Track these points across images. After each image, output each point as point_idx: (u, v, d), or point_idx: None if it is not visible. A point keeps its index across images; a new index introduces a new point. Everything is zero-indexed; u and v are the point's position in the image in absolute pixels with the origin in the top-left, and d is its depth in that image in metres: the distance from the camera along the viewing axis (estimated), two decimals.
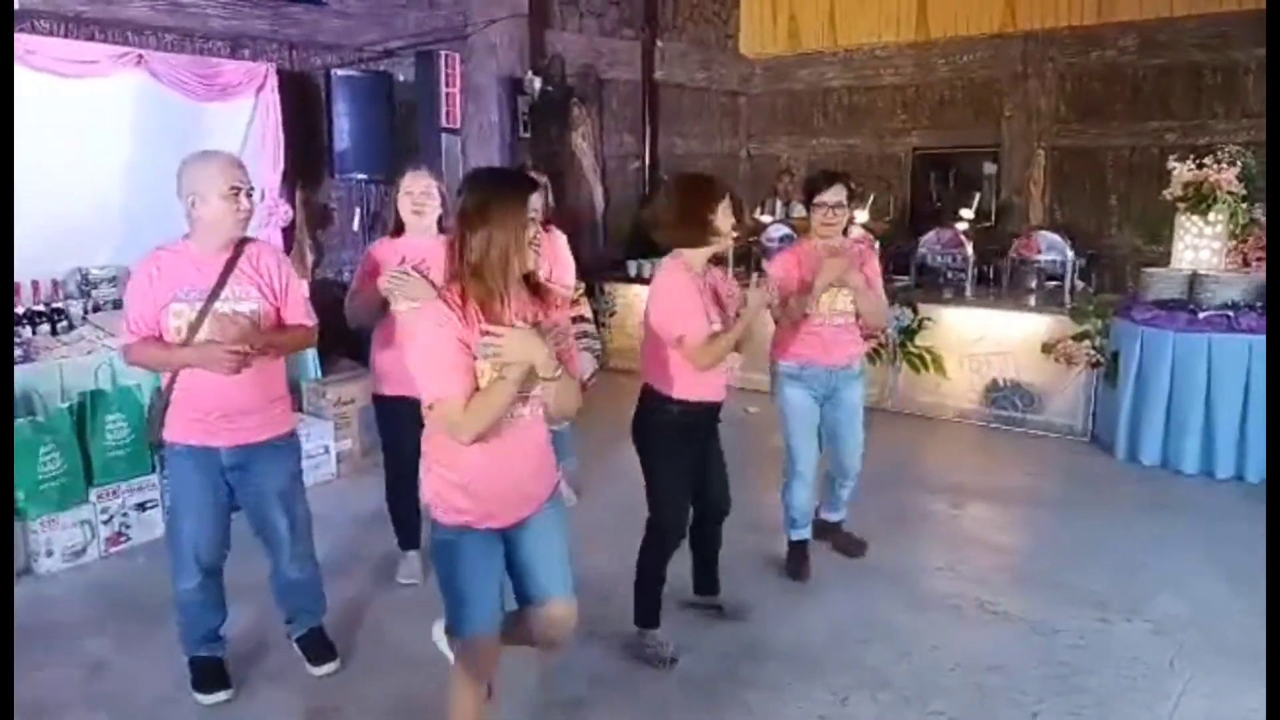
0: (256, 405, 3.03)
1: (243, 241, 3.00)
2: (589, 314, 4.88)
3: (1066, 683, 3.22)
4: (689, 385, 3.18)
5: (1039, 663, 3.35)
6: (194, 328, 2.89)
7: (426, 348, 2.29)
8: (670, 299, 3.15)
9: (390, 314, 3.70)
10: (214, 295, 2.91)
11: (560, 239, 4.33)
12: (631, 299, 7.78)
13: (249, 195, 2.95)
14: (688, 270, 3.17)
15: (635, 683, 3.23)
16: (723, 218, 3.13)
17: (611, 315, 7.97)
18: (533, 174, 4.47)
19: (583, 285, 4.77)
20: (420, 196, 3.78)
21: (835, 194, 3.77)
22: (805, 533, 4.08)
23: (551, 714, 3.04)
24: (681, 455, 3.26)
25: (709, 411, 3.31)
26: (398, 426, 3.77)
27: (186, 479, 3.02)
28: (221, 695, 3.11)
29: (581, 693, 3.11)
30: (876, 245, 4.22)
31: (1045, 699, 3.12)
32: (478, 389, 2.26)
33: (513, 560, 2.46)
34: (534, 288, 2.42)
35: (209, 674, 3.14)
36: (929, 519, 4.77)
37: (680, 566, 3.52)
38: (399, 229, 3.82)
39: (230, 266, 2.94)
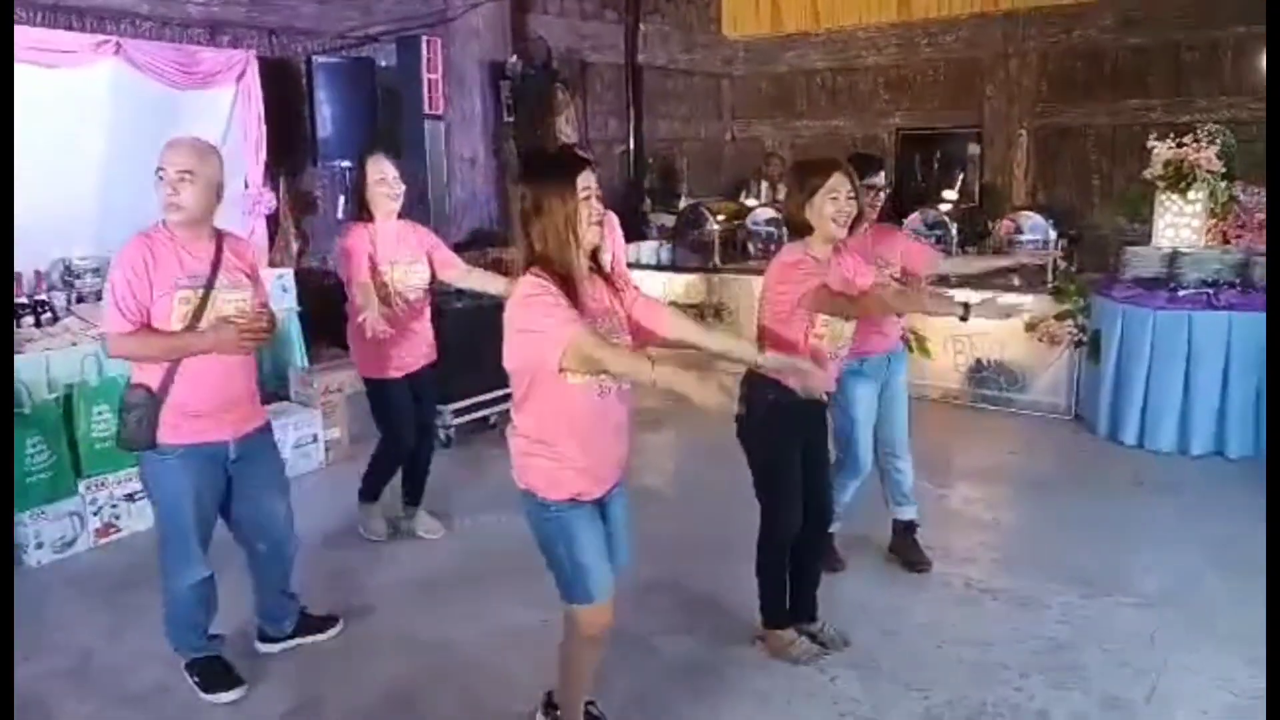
0: (249, 393, 3.06)
1: (218, 230, 2.98)
2: None
3: (1052, 658, 3.27)
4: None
5: (1025, 639, 3.40)
6: (197, 315, 2.83)
7: (540, 314, 2.26)
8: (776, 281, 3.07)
9: (383, 296, 3.85)
10: (211, 283, 2.86)
11: (612, 218, 4.33)
12: None
13: (183, 183, 2.79)
14: (805, 253, 3.05)
15: (622, 665, 3.25)
16: (821, 207, 2.97)
17: None
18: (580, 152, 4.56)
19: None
20: (394, 181, 3.89)
21: (882, 178, 3.76)
22: (838, 525, 3.89)
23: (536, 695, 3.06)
24: (790, 454, 3.16)
25: (805, 402, 3.06)
26: (404, 406, 4.05)
27: (187, 479, 2.91)
28: (236, 693, 3.06)
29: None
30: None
31: (1031, 674, 3.17)
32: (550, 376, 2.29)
33: None
34: (600, 271, 2.47)
35: (215, 673, 3.10)
36: (915, 498, 4.79)
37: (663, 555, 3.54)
38: (369, 215, 3.90)
39: (219, 254, 2.91)
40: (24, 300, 4.69)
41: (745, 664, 3.27)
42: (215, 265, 2.88)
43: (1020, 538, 4.35)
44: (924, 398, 6.51)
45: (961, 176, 8.37)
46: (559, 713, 2.79)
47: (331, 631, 3.46)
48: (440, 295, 5.44)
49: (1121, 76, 8.22)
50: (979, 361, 6.33)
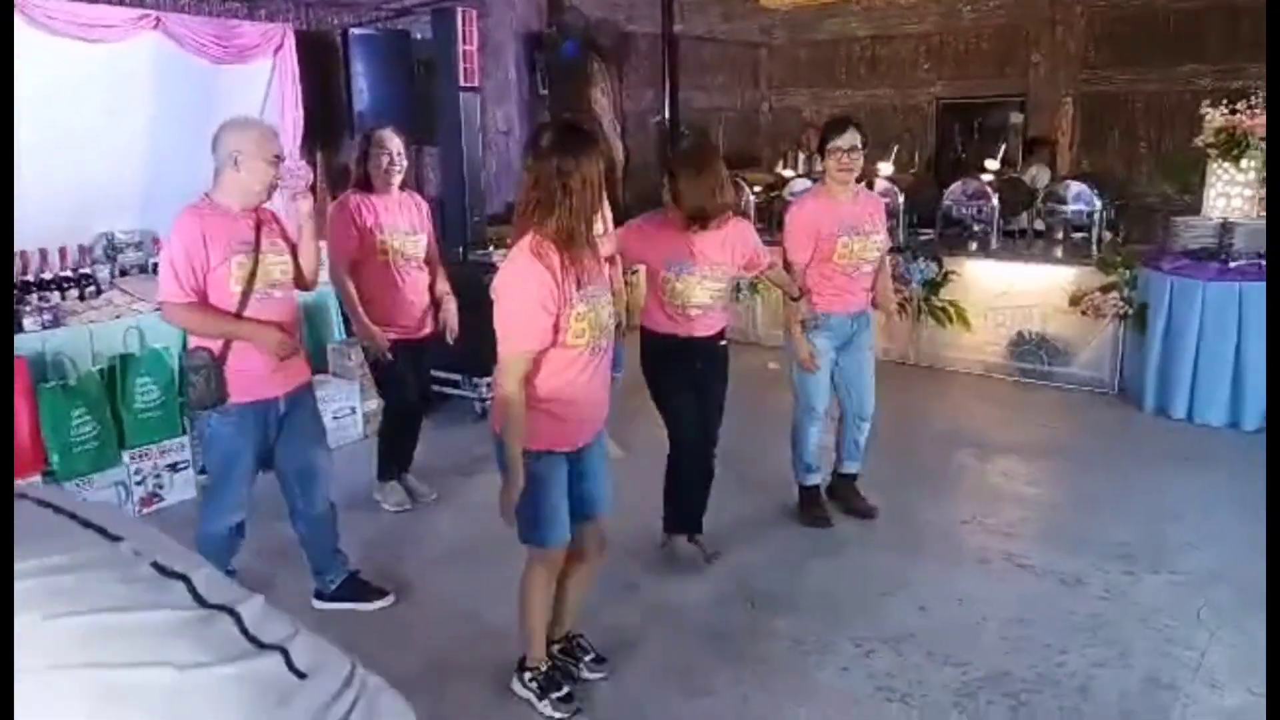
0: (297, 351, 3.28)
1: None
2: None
3: (1094, 635, 3.22)
4: (658, 321, 3.51)
5: (1066, 615, 3.36)
6: (252, 277, 3.03)
7: (518, 303, 2.48)
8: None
9: (383, 263, 4.02)
10: (258, 247, 3.06)
11: None
12: None
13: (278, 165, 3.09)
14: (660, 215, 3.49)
15: (656, 636, 3.27)
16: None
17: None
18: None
19: None
20: (397, 156, 4.02)
21: (850, 138, 3.71)
22: (818, 478, 4.10)
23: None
24: (673, 379, 3.51)
25: (687, 345, 3.48)
26: (401, 366, 4.10)
27: (247, 433, 3.13)
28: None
29: (599, 646, 3.13)
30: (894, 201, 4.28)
31: (1072, 650, 3.13)
32: (555, 343, 2.49)
33: (572, 480, 2.71)
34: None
35: None
36: (954, 472, 4.76)
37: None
38: (367, 185, 4.01)
39: (259, 223, 3.11)
40: (68, 273, 4.76)
41: (778, 637, 3.25)
42: (258, 231, 3.08)
43: (1063, 512, 4.28)
44: (963, 371, 6.44)
45: (1004, 146, 8.20)
46: (528, 674, 2.90)
47: (382, 602, 3.52)
48: (480, 267, 5.46)
49: (1173, 41, 7.99)
50: (1020, 334, 6.21)
